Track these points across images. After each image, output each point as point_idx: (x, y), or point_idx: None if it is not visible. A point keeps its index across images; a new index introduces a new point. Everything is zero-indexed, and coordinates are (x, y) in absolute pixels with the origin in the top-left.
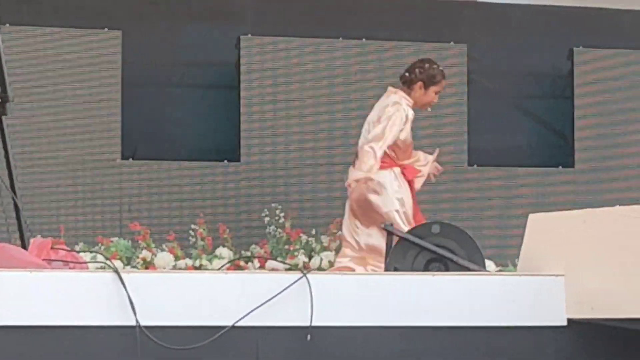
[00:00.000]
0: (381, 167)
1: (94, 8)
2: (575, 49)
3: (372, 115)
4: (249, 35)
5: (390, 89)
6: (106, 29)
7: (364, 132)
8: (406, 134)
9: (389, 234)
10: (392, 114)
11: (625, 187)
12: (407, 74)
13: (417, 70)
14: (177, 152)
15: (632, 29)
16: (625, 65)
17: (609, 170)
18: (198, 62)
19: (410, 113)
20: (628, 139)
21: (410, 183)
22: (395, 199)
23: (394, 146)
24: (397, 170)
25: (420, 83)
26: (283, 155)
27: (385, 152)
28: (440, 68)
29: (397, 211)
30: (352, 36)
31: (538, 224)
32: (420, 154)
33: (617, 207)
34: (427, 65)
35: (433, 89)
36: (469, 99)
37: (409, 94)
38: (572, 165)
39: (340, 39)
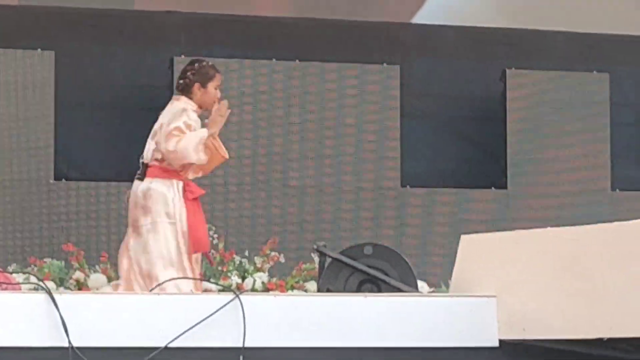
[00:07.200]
0: (163, 177)
1: (27, 29)
2: (507, 70)
3: (158, 124)
4: (182, 57)
5: (174, 97)
6: (39, 50)
7: (155, 140)
8: None
9: (322, 254)
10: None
11: (557, 205)
12: (181, 81)
13: (189, 73)
14: (109, 173)
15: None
16: (556, 85)
17: (541, 190)
18: (131, 83)
19: (195, 120)
20: (560, 158)
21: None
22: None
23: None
24: (180, 184)
25: (197, 84)
26: (216, 177)
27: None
28: (210, 63)
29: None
30: (286, 57)
31: (470, 245)
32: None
33: (548, 228)
34: (197, 65)
35: (211, 85)
36: (402, 119)
37: (191, 99)
38: (505, 187)
39: (274, 60)
